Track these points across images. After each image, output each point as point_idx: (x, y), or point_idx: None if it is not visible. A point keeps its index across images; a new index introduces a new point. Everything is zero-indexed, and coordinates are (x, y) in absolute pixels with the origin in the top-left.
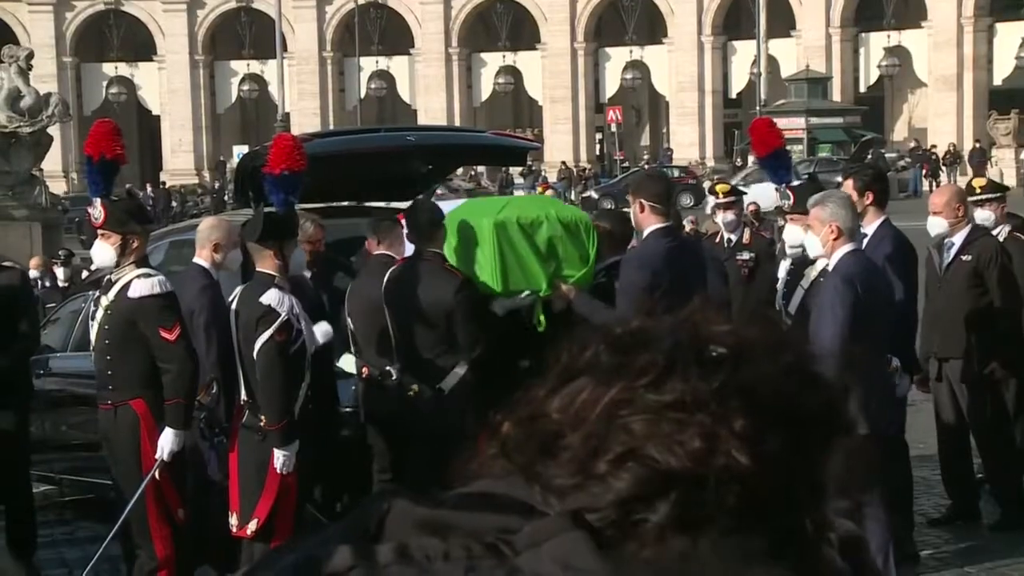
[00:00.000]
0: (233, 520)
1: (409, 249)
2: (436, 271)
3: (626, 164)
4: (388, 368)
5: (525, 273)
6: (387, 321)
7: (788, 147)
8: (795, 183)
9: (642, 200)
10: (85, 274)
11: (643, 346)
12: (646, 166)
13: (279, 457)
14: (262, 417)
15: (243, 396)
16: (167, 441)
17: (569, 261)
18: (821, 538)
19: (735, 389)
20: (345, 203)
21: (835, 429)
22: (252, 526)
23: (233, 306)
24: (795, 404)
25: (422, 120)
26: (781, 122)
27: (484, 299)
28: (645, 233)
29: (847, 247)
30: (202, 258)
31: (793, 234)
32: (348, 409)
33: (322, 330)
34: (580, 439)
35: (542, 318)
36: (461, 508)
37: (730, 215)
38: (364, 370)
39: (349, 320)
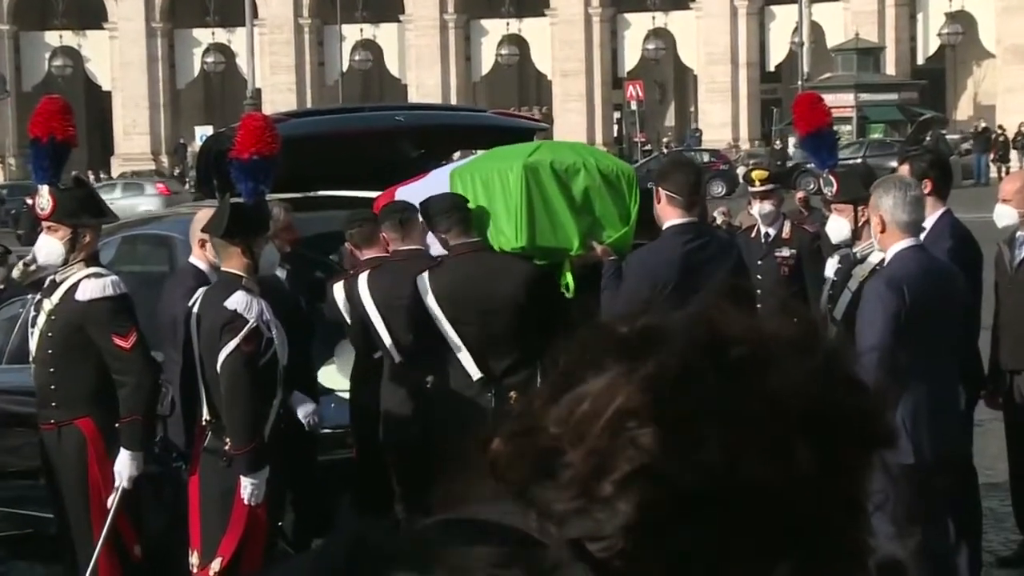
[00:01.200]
0: (193, 559)
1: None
2: (504, 260)
3: (648, 147)
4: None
5: (555, 227)
6: (494, 323)
7: (835, 126)
8: (841, 168)
9: (661, 189)
10: (17, 273)
11: (653, 347)
12: (667, 150)
13: (247, 486)
14: (227, 440)
15: (205, 415)
16: (125, 465)
17: (607, 218)
18: (856, 564)
19: (759, 395)
20: (324, 193)
21: (873, 440)
22: (215, 566)
23: (194, 310)
24: (828, 411)
25: (413, 97)
26: (827, 99)
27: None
28: (664, 228)
29: (903, 243)
30: (197, 257)
31: (837, 228)
32: (327, 431)
33: (304, 411)
34: (582, 456)
35: (570, 281)
36: (445, 539)
37: (767, 206)
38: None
39: (448, 326)
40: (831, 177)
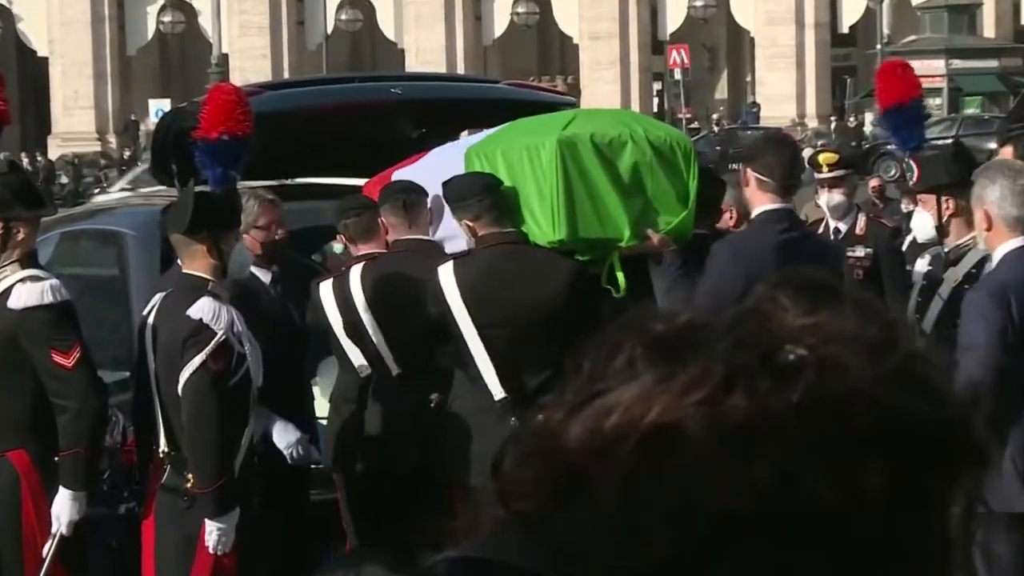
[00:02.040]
0: None
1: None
2: (543, 255)
3: (695, 125)
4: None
5: (600, 214)
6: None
7: (923, 99)
8: (928, 151)
9: (750, 171)
10: None
11: (694, 349)
12: (717, 127)
13: (212, 531)
14: (189, 476)
15: (162, 446)
16: (64, 508)
17: (662, 201)
18: None
19: (820, 404)
20: (305, 180)
21: (960, 459)
22: None
23: (149, 321)
24: (903, 424)
25: (411, 65)
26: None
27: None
28: (752, 216)
29: (1013, 242)
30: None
31: (921, 223)
32: (317, 466)
33: (287, 441)
34: (611, 480)
35: (621, 278)
36: None
37: (837, 196)
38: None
39: (473, 332)
40: (911, 161)
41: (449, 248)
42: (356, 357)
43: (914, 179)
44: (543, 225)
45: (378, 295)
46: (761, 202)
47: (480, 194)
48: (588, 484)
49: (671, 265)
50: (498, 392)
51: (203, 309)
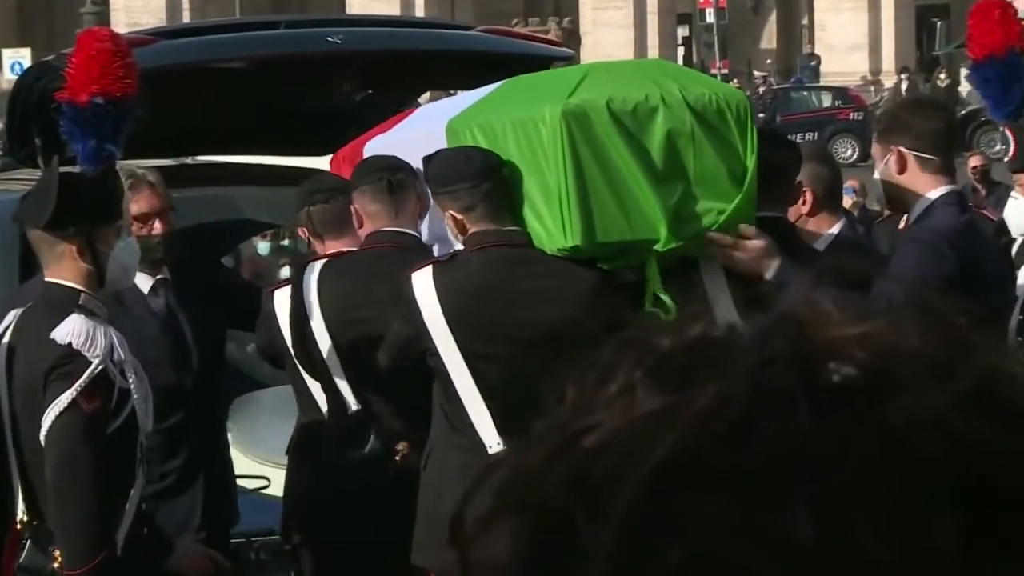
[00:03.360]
0: None
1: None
2: (555, 263)
3: (735, 82)
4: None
5: (625, 207)
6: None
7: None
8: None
9: (903, 148)
10: None
11: (710, 369)
12: (763, 86)
13: None
14: (56, 553)
15: (20, 514)
16: None
17: (709, 183)
18: None
19: (873, 435)
20: (212, 159)
21: None
22: None
23: (2, 344)
24: (978, 459)
25: (354, 7)
26: (1018, 6)
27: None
28: (929, 201)
29: None
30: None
31: (1015, 212)
32: (263, 538)
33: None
34: (607, 535)
35: (662, 293)
36: None
37: None
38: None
39: (458, 361)
40: (1007, 132)
41: (440, 251)
42: (320, 391)
43: (1010, 155)
44: (550, 226)
45: (339, 304)
46: (931, 186)
47: (475, 177)
48: (577, 541)
49: (781, 279)
50: (493, 442)
51: (72, 331)
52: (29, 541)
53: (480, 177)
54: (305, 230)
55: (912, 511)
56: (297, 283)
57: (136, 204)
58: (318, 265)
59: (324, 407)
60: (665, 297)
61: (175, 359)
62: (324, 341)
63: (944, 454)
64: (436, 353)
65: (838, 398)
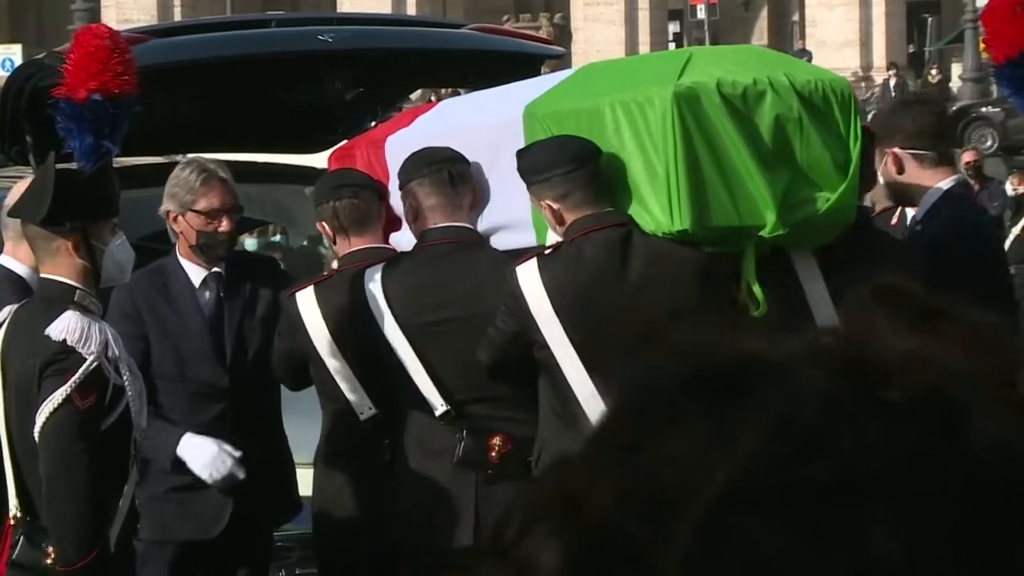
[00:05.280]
0: None
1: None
2: (659, 245)
3: None
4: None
5: (734, 193)
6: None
7: None
8: None
9: (897, 149)
10: None
11: (765, 386)
12: None
13: None
14: (49, 549)
15: (13, 509)
16: None
17: (816, 169)
18: None
19: (955, 458)
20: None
21: None
22: None
23: None
24: None
25: (345, 5)
26: None
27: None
28: (940, 192)
29: None
30: (11, 255)
31: None
32: (290, 532)
33: (200, 459)
34: (670, 560)
35: (756, 287)
36: None
37: None
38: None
39: (570, 353)
40: None
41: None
42: (354, 393)
43: None
44: (655, 210)
45: (415, 305)
46: (936, 179)
47: (570, 163)
48: (639, 567)
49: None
50: None
51: (67, 327)
52: (22, 537)
53: (575, 163)
54: (326, 226)
55: (996, 535)
56: (353, 286)
57: (206, 199)
58: (376, 268)
59: (363, 412)
60: (757, 289)
61: (213, 354)
62: (401, 344)
63: (1018, 476)
64: (545, 346)
65: (910, 417)
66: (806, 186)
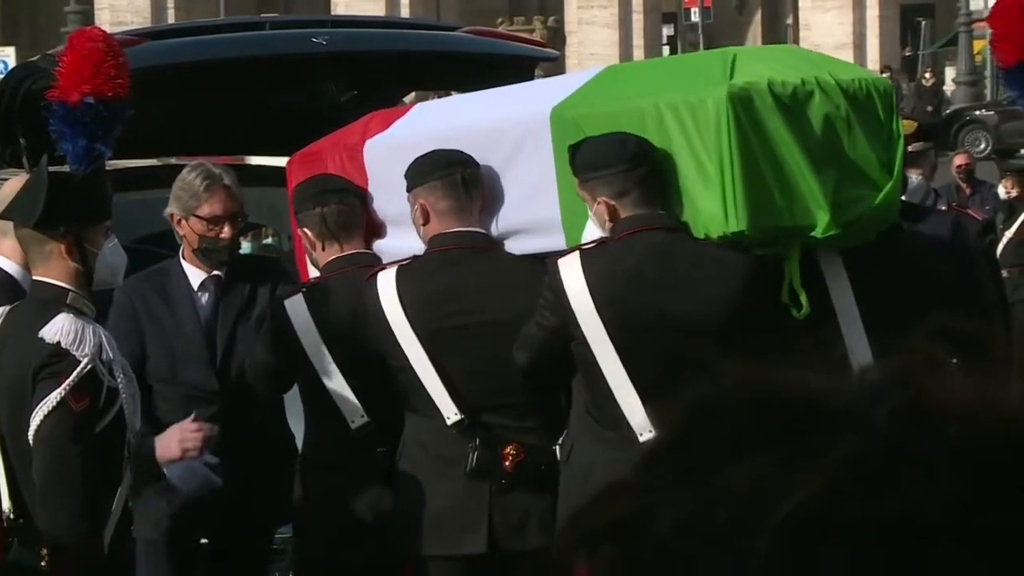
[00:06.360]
0: None
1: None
2: (705, 247)
3: None
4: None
5: (787, 193)
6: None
7: None
8: None
9: None
10: None
11: (829, 420)
12: None
13: None
14: (43, 551)
15: (6, 511)
16: None
17: (863, 168)
18: None
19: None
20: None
21: None
22: None
23: None
24: None
25: (339, 7)
26: None
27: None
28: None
29: None
30: (3, 254)
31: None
32: (287, 535)
33: (174, 471)
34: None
35: (800, 290)
36: None
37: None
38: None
39: (612, 356)
40: None
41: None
42: (346, 401)
43: None
44: (708, 211)
45: (432, 313)
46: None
47: (629, 161)
48: None
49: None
50: (644, 431)
51: (60, 329)
52: (16, 539)
53: (634, 161)
54: (309, 232)
55: None
56: (345, 292)
57: (209, 205)
58: (389, 273)
59: (355, 420)
60: (801, 293)
61: (205, 357)
62: (415, 351)
63: None
64: (584, 342)
65: (974, 460)
66: (854, 185)
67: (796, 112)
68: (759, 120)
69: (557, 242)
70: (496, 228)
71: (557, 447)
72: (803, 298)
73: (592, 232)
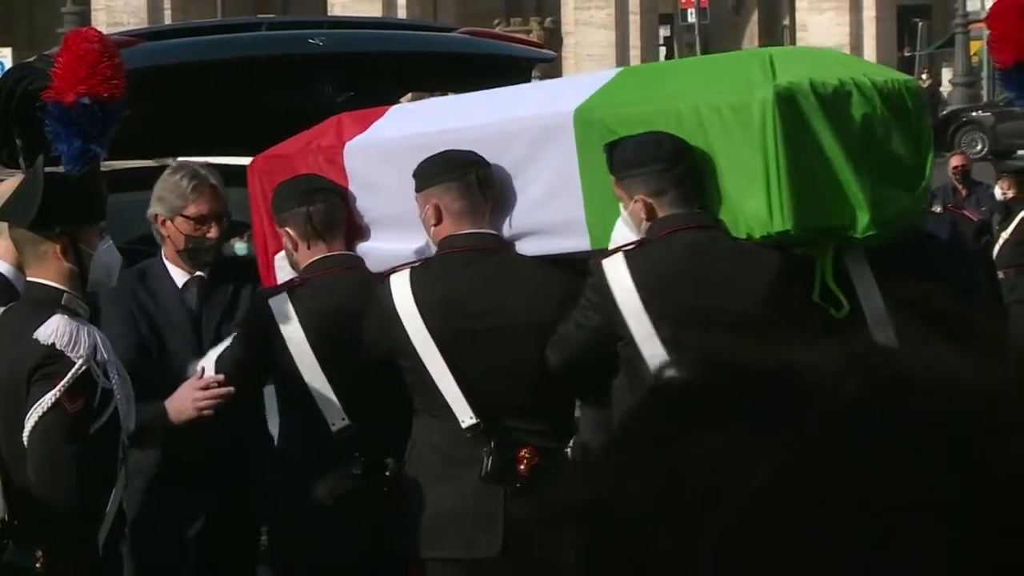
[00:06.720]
0: None
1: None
2: (742, 245)
3: None
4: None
5: (827, 193)
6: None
7: None
8: None
9: None
10: None
11: (795, 398)
12: None
13: None
14: (38, 553)
15: (1, 512)
16: None
17: (897, 169)
18: None
19: (1000, 485)
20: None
21: None
22: None
23: None
24: None
25: (335, 8)
26: None
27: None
28: None
29: None
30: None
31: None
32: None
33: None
34: (695, 562)
35: (835, 288)
36: None
37: None
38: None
39: (657, 345)
40: None
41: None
42: (328, 403)
43: None
44: (752, 211)
45: (451, 315)
46: None
47: (669, 160)
48: (662, 567)
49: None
50: None
51: (55, 331)
52: (11, 540)
53: (672, 160)
54: (292, 232)
55: (1020, 554)
56: (333, 292)
57: (196, 206)
58: (403, 275)
59: (336, 423)
60: (836, 290)
61: (192, 357)
62: (431, 354)
63: None
64: (632, 342)
65: (937, 437)
66: (890, 185)
67: (837, 112)
68: (804, 120)
69: (580, 243)
70: (510, 229)
71: (568, 450)
72: (841, 296)
73: (622, 232)
